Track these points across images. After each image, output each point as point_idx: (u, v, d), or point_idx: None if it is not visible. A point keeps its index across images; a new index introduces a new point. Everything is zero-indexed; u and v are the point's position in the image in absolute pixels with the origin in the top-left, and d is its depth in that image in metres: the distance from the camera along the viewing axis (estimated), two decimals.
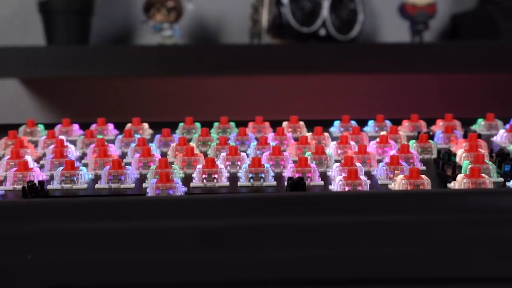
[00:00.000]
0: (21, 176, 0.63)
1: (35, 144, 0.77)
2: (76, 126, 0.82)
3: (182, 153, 0.68)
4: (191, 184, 0.63)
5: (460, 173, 0.62)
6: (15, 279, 0.52)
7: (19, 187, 0.61)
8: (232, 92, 1.50)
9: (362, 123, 0.82)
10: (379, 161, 0.68)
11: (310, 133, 0.76)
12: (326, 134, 0.76)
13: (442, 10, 1.47)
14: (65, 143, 0.73)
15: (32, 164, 0.67)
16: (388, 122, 0.81)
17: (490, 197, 0.55)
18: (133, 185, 0.63)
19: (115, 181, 0.63)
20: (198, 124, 0.81)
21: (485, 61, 1.31)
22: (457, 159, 0.68)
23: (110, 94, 1.49)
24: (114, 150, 0.72)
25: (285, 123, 0.81)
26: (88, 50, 1.33)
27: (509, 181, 0.61)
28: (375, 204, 0.55)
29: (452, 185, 0.61)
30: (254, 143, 0.73)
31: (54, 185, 0.63)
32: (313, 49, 1.32)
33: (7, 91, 1.46)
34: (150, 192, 0.59)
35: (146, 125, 0.83)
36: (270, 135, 0.76)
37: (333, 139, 0.76)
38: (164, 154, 0.73)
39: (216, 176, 0.63)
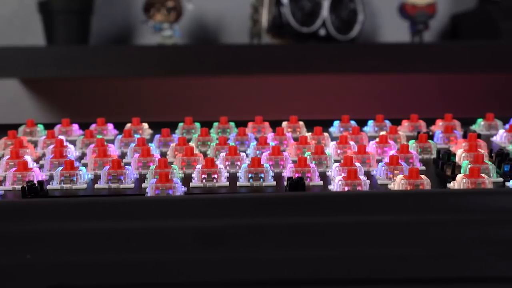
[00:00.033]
0: (20, 176, 0.63)
1: (35, 144, 0.77)
2: (75, 126, 0.82)
3: (181, 153, 0.68)
4: (191, 184, 0.63)
5: (460, 173, 0.62)
6: (14, 279, 0.52)
7: (19, 187, 0.61)
8: (232, 92, 1.50)
9: (362, 123, 0.82)
10: (378, 161, 0.68)
11: (310, 133, 0.76)
12: (325, 134, 0.76)
13: (442, 10, 1.47)
14: (65, 143, 0.73)
15: (31, 164, 0.67)
16: (387, 122, 0.82)
17: (489, 197, 0.55)
18: (132, 185, 0.63)
19: (114, 181, 0.63)
20: (197, 124, 0.81)
21: (485, 61, 1.31)
22: (457, 159, 0.68)
23: (110, 94, 1.49)
24: (113, 150, 0.72)
25: (284, 123, 0.81)
26: (88, 50, 1.33)
27: (509, 181, 0.61)
28: (375, 204, 0.55)
29: (452, 185, 0.61)
30: (253, 143, 0.73)
31: (54, 185, 0.63)
32: (313, 49, 1.32)
33: (7, 91, 1.46)
34: (150, 192, 0.59)
35: (145, 125, 0.83)
36: (270, 135, 0.76)
37: (332, 139, 0.76)
38: (163, 154, 0.73)
39: (215, 176, 0.63)
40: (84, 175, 0.64)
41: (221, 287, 0.54)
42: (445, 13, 1.49)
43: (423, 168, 0.67)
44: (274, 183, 0.63)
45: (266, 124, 0.81)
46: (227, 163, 0.67)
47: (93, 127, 0.81)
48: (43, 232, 0.53)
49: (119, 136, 0.76)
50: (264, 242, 0.53)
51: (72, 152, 0.72)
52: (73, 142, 0.76)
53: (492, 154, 0.68)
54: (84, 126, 0.82)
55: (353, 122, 0.81)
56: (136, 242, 0.53)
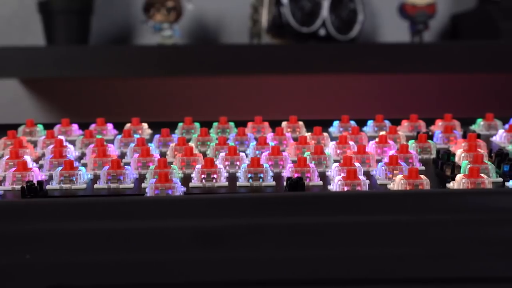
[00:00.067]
0: (20, 176, 0.63)
1: (34, 144, 0.77)
2: (75, 126, 0.82)
3: (181, 153, 0.68)
4: (190, 184, 0.63)
5: (459, 173, 0.62)
6: (14, 279, 0.52)
7: (18, 187, 0.61)
8: (231, 92, 1.50)
9: (362, 123, 0.82)
10: (378, 161, 0.68)
11: (309, 133, 0.76)
12: (325, 134, 0.76)
13: (442, 10, 1.47)
14: (64, 143, 0.73)
15: (31, 164, 0.67)
16: (387, 122, 0.82)
17: (489, 197, 0.55)
18: (132, 185, 0.63)
19: (114, 181, 0.63)
20: (197, 124, 0.81)
21: (485, 61, 1.31)
22: (456, 159, 0.68)
23: (110, 94, 1.49)
24: (113, 150, 0.72)
25: (284, 123, 0.81)
26: (88, 50, 1.33)
27: (508, 181, 0.61)
28: (374, 204, 0.55)
29: (451, 185, 0.61)
30: (253, 143, 0.73)
31: (53, 185, 0.63)
32: (312, 49, 1.32)
33: (7, 91, 1.46)
34: (149, 192, 0.59)
35: (145, 125, 0.83)
36: (269, 135, 0.76)
37: (332, 139, 0.76)
38: (163, 154, 0.73)
39: (215, 176, 0.63)
40: (84, 175, 0.64)
41: (220, 287, 0.54)
42: (445, 13, 1.49)
43: (423, 168, 0.67)
44: (274, 183, 0.63)
45: (266, 124, 0.81)
46: (226, 163, 0.67)
47: (92, 127, 0.81)
48: (42, 232, 0.53)
49: (119, 136, 0.76)
50: (264, 242, 0.53)
51: (72, 152, 0.72)
52: (72, 142, 0.76)
53: (492, 154, 0.68)
54: (83, 126, 0.82)
55: (352, 122, 0.81)
56: (135, 242, 0.53)
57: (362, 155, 0.67)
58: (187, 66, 1.30)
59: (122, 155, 0.73)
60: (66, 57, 1.29)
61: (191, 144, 0.74)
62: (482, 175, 0.60)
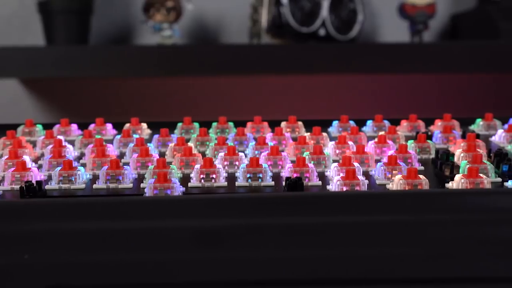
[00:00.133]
0: (19, 176, 0.63)
1: (34, 144, 0.77)
2: (74, 126, 0.82)
3: (180, 153, 0.68)
4: (189, 184, 0.63)
5: (458, 173, 0.62)
6: (12, 279, 0.52)
7: (17, 187, 0.61)
8: (231, 92, 1.50)
9: (361, 123, 0.82)
10: (377, 161, 0.68)
11: (309, 133, 0.76)
12: (324, 134, 0.76)
13: (442, 10, 1.47)
14: (63, 143, 0.73)
15: (30, 164, 0.67)
16: (386, 122, 0.81)
17: (488, 197, 0.55)
18: (131, 185, 0.63)
19: (113, 181, 0.63)
20: (196, 124, 0.81)
21: (485, 61, 1.31)
22: (455, 159, 0.68)
23: (109, 94, 1.49)
24: (112, 150, 0.72)
25: (283, 123, 0.81)
26: (87, 50, 1.33)
27: (507, 181, 0.61)
28: (373, 204, 0.55)
29: (450, 185, 0.61)
30: (252, 143, 0.73)
31: (52, 185, 0.63)
32: (312, 49, 1.32)
33: (7, 91, 1.46)
34: (148, 192, 0.59)
35: (144, 125, 0.83)
36: (269, 135, 0.76)
37: (331, 139, 0.76)
38: (162, 154, 0.73)
39: (214, 176, 0.63)
40: (83, 175, 0.64)
41: (219, 287, 0.54)
42: (444, 13, 1.49)
43: (422, 168, 0.67)
44: (273, 183, 0.63)
45: (265, 124, 0.81)
46: (225, 163, 0.67)
47: (92, 127, 0.81)
48: (41, 232, 0.53)
49: (118, 136, 0.76)
50: (263, 242, 0.53)
51: (71, 152, 0.72)
52: (71, 142, 0.76)
53: (491, 154, 0.68)
54: (83, 126, 0.82)
55: (352, 122, 0.81)
56: (134, 242, 0.53)
57: (361, 155, 0.67)
58: (186, 66, 1.30)
59: (121, 155, 0.73)
60: (65, 57, 1.29)
61: (190, 144, 0.74)
62: (481, 175, 0.60)
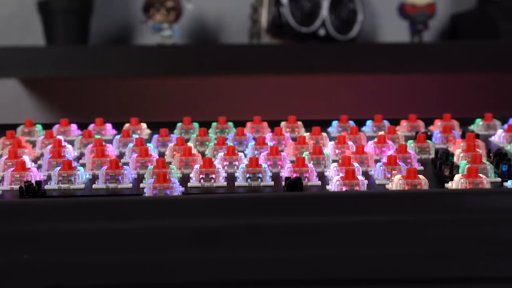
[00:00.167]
0: (18, 176, 0.63)
1: (33, 144, 0.77)
2: (74, 126, 0.82)
3: (179, 153, 0.68)
4: (189, 184, 0.63)
5: (458, 173, 0.62)
6: (12, 279, 0.52)
7: (17, 187, 0.61)
8: (231, 92, 1.50)
9: (360, 123, 0.82)
10: (376, 161, 0.68)
11: (308, 133, 0.76)
12: (324, 134, 0.76)
13: (442, 10, 1.47)
14: (63, 143, 0.73)
15: (29, 164, 0.67)
16: (386, 122, 0.81)
17: (487, 197, 0.55)
18: (130, 185, 0.63)
19: (112, 181, 0.63)
20: (196, 124, 0.81)
21: (484, 61, 1.31)
22: (455, 159, 0.68)
23: (109, 94, 1.49)
24: (111, 150, 0.72)
25: (283, 123, 0.81)
26: (87, 50, 1.33)
27: (506, 181, 0.61)
28: (372, 204, 0.55)
29: (450, 185, 0.61)
30: (252, 143, 0.73)
31: (52, 185, 0.63)
32: (312, 49, 1.32)
33: (7, 91, 1.46)
34: (148, 192, 0.59)
35: (144, 125, 0.83)
36: (268, 135, 0.76)
37: (331, 139, 0.76)
38: (162, 154, 0.73)
39: (213, 176, 0.63)
40: (82, 175, 0.64)
41: (219, 287, 0.54)
42: (444, 13, 1.49)
43: (421, 168, 0.67)
44: (272, 183, 0.63)
45: (265, 124, 0.81)
46: (225, 163, 0.67)
47: (91, 127, 0.81)
48: (41, 232, 0.53)
49: (118, 136, 0.76)
50: (262, 242, 0.53)
51: (70, 152, 0.72)
52: (71, 142, 0.76)
53: (490, 154, 0.68)
54: (82, 126, 0.82)
55: (351, 122, 0.81)
56: (134, 242, 0.53)
57: (360, 155, 0.67)
58: (186, 66, 1.30)
59: (121, 155, 0.73)
60: (65, 57, 1.29)
61: (190, 144, 0.74)
62: (480, 175, 0.60)
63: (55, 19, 1.34)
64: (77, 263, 0.52)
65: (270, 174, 0.64)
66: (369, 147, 0.72)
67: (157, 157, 0.68)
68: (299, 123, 0.81)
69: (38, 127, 0.82)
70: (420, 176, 0.60)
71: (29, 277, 0.52)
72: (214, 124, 0.81)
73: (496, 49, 1.31)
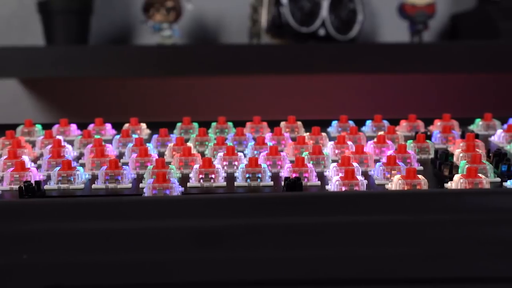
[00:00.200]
0: (18, 176, 0.63)
1: (33, 144, 0.77)
2: (73, 126, 0.82)
3: (179, 153, 0.68)
4: (188, 184, 0.63)
5: (457, 173, 0.62)
6: (11, 279, 0.52)
7: (16, 187, 0.61)
8: (230, 92, 1.50)
9: (360, 123, 0.82)
10: (376, 161, 0.68)
11: (308, 133, 0.76)
12: (323, 134, 0.76)
13: (442, 10, 1.47)
14: (63, 143, 0.73)
15: (29, 164, 0.67)
16: (386, 122, 0.81)
17: (486, 197, 0.55)
18: (130, 185, 0.63)
19: (112, 181, 0.63)
20: (195, 124, 0.81)
21: (484, 61, 1.31)
22: (455, 159, 0.68)
23: (109, 94, 1.49)
24: (111, 150, 0.72)
25: (282, 123, 0.81)
26: (87, 50, 1.33)
27: (506, 181, 0.61)
28: (372, 204, 0.55)
29: (449, 185, 0.61)
30: (251, 143, 0.73)
31: (51, 185, 0.63)
32: (312, 49, 1.32)
33: (7, 91, 1.46)
34: (147, 192, 0.59)
35: (143, 125, 0.83)
36: (268, 135, 0.76)
37: (330, 139, 0.76)
38: (161, 154, 0.73)
39: (213, 176, 0.63)
40: (82, 175, 0.64)
41: (218, 287, 0.54)
42: (444, 13, 1.49)
43: (421, 168, 0.67)
44: (272, 183, 0.63)
45: (264, 124, 0.81)
46: (224, 163, 0.67)
47: (91, 127, 0.81)
48: (40, 232, 0.53)
49: (117, 136, 0.76)
50: (262, 242, 0.53)
51: (70, 152, 0.72)
52: (71, 142, 0.76)
53: (490, 154, 0.68)
54: (82, 126, 0.82)
55: (351, 122, 0.81)
56: (133, 242, 0.53)
57: (360, 155, 0.67)
58: (186, 66, 1.30)
59: (121, 155, 0.73)
60: (65, 57, 1.29)
61: (190, 144, 0.74)
62: (480, 175, 0.60)
63: (55, 19, 1.34)
64: (77, 263, 0.52)
65: (269, 174, 0.64)
66: (369, 147, 0.72)
67: (157, 157, 0.68)
68: (299, 123, 0.81)
69: (38, 127, 0.82)
70: (420, 176, 0.60)
71: (28, 277, 0.52)
72: (213, 124, 0.81)
73: (496, 49, 1.31)
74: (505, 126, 0.77)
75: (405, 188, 0.59)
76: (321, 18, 1.32)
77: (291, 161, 0.67)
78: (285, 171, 0.64)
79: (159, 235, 0.53)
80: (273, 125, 0.79)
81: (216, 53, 1.32)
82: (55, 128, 0.81)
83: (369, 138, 0.75)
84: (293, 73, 1.37)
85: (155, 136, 0.76)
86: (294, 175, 0.62)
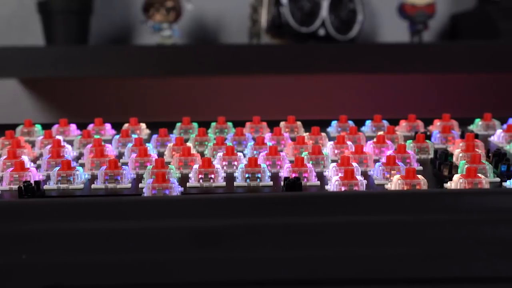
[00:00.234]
0: (17, 176, 0.63)
1: (32, 144, 0.77)
2: (73, 126, 0.82)
3: (178, 153, 0.68)
4: (188, 184, 0.63)
5: (457, 173, 0.62)
6: (10, 279, 0.52)
7: (15, 187, 0.61)
8: (230, 92, 1.50)
9: (360, 123, 0.82)
10: (376, 161, 0.68)
11: (307, 133, 0.76)
12: (323, 134, 0.76)
13: (442, 10, 1.47)
14: (62, 143, 0.73)
15: (28, 164, 0.67)
16: (385, 122, 0.81)
17: (486, 197, 0.55)
18: (129, 185, 0.63)
19: (111, 181, 0.63)
20: (195, 124, 0.81)
21: (484, 61, 1.31)
22: (454, 159, 0.68)
23: (109, 94, 1.49)
24: (111, 150, 0.72)
25: (282, 123, 0.81)
26: (87, 50, 1.33)
27: (505, 181, 0.61)
28: (371, 204, 0.55)
29: (449, 185, 0.61)
30: (251, 143, 0.73)
31: (51, 185, 0.63)
32: (312, 49, 1.32)
33: (6, 91, 1.46)
34: (146, 192, 0.59)
35: (143, 125, 0.83)
36: (267, 135, 0.76)
37: (330, 139, 0.76)
38: (161, 154, 0.73)
39: (212, 176, 0.63)
40: (81, 175, 0.64)
41: (218, 287, 0.54)
42: (444, 13, 1.49)
43: (420, 168, 0.67)
44: (271, 183, 0.63)
45: (264, 124, 0.81)
46: (224, 163, 0.67)
47: (90, 127, 0.81)
48: (39, 232, 0.53)
49: (117, 136, 0.76)
50: (261, 242, 0.53)
51: (70, 152, 0.72)
52: (70, 142, 0.76)
53: (490, 154, 0.68)
54: (81, 126, 0.82)
55: (350, 122, 0.81)
56: (132, 242, 0.53)
57: (359, 155, 0.67)
58: (186, 66, 1.30)
59: (120, 155, 0.73)
60: (65, 57, 1.29)
61: (189, 144, 0.74)
62: (479, 175, 0.60)
63: (55, 19, 1.34)
64: (76, 263, 0.52)
65: (269, 174, 0.64)
66: (368, 147, 0.72)
67: (156, 157, 0.68)
68: (298, 123, 0.81)
69: (38, 127, 0.82)
70: (419, 176, 0.60)
71: (28, 277, 0.52)
72: (213, 124, 0.81)
73: (496, 49, 1.31)
74: (505, 126, 0.77)
75: (405, 188, 0.59)
76: (321, 18, 1.32)
77: (291, 161, 0.67)
78: (285, 171, 0.64)
79: (159, 235, 0.53)
80: (272, 125, 0.79)
81: (216, 53, 1.32)
82: (55, 128, 0.81)
83: (369, 138, 0.75)
84: (293, 73, 1.37)
85: (154, 136, 0.76)
86: (293, 175, 0.62)
